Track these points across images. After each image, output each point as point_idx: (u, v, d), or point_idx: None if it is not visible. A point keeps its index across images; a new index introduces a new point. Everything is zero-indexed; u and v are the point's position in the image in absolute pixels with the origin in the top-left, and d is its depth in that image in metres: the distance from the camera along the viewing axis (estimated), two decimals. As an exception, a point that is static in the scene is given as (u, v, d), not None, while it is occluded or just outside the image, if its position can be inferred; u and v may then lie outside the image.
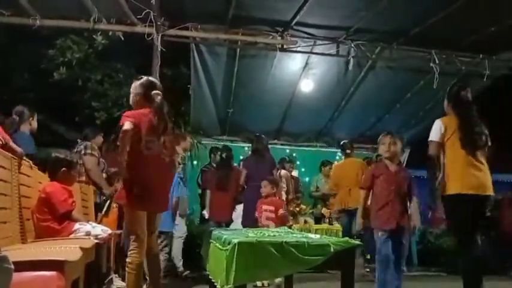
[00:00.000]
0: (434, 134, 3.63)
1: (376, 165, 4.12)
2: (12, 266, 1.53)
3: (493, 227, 7.05)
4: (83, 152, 5.12)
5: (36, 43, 7.99)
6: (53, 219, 3.38)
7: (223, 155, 6.38)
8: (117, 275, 4.52)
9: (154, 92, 3.28)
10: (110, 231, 3.81)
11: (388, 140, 3.95)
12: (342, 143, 7.04)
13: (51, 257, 2.07)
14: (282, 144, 8.76)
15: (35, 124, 4.84)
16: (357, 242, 2.47)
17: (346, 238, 2.55)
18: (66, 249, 2.40)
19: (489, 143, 3.63)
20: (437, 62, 6.70)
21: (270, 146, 7.43)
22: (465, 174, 3.49)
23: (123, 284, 4.04)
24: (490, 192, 3.54)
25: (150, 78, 3.51)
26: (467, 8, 5.41)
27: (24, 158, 3.33)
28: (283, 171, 7.14)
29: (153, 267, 3.40)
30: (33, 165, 3.62)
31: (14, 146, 3.28)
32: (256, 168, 5.93)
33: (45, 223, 3.35)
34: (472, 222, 3.52)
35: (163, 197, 3.39)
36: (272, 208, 5.03)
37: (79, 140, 5.38)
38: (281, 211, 5.05)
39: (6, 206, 2.54)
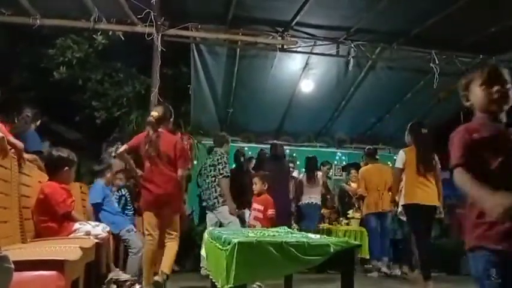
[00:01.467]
0: (399, 162, 5.07)
1: (470, 124, 1.91)
2: (13, 266, 1.53)
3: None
4: (113, 154, 5.15)
5: (37, 42, 8.00)
6: (53, 220, 3.38)
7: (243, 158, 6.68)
8: (118, 269, 4.53)
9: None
10: (108, 229, 3.82)
11: (499, 74, 1.93)
12: (368, 148, 7.08)
13: (51, 257, 2.07)
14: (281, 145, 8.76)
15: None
16: (357, 242, 2.47)
17: (346, 238, 2.55)
18: (66, 249, 2.39)
19: (438, 167, 4.91)
20: (437, 62, 6.71)
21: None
22: (415, 189, 4.83)
23: (127, 276, 4.32)
24: (435, 203, 4.84)
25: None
26: (467, 8, 5.42)
27: (27, 158, 3.32)
28: (320, 173, 7.12)
29: (163, 259, 3.87)
30: (40, 164, 3.63)
31: (14, 140, 3.22)
32: (276, 173, 5.95)
33: (45, 224, 3.35)
34: (422, 224, 4.84)
35: (165, 200, 3.86)
36: (261, 207, 4.67)
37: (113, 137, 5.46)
38: (270, 211, 4.65)
39: (6, 205, 2.53)
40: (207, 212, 5.83)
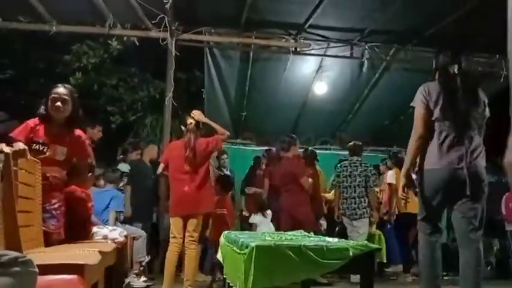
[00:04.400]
0: (392, 179, 6.18)
1: None
2: (37, 270, 1.54)
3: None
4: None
5: (53, 49, 8.13)
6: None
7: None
8: (134, 275, 4.58)
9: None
10: (125, 234, 3.85)
11: None
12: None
13: (72, 261, 2.08)
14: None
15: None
16: (376, 246, 2.45)
17: (365, 242, 2.52)
18: (86, 253, 2.42)
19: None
20: (453, 62, 6.61)
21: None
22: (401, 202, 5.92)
23: (143, 284, 4.50)
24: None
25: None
26: (482, 7, 5.34)
27: None
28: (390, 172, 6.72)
29: (186, 262, 4.03)
30: None
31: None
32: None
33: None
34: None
35: (195, 199, 4.07)
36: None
37: None
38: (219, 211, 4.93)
39: (30, 209, 2.58)
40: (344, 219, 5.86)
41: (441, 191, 2.82)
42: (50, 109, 3.01)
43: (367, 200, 5.72)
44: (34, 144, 2.94)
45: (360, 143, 6.18)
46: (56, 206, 3.02)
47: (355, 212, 5.71)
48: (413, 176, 3.02)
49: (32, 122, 3.01)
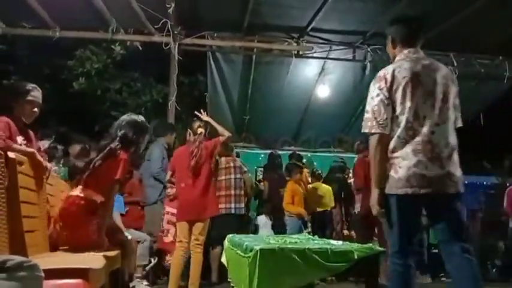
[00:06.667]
0: None
1: None
2: (43, 274, 1.55)
3: None
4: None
5: (56, 54, 8.17)
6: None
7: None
8: (139, 280, 4.59)
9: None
10: (130, 238, 3.86)
11: None
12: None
13: (76, 265, 2.09)
14: (299, 151, 8.73)
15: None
16: (381, 249, 2.44)
17: (370, 244, 2.52)
18: (91, 257, 2.43)
19: None
20: (455, 64, 6.61)
21: (286, 152, 7.48)
22: None
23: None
24: None
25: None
26: (485, 9, 5.34)
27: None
28: None
29: (192, 266, 4.03)
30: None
31: (39, 158, 2.89)
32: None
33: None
34: None
35: (202, 203, 4.09)
36: (175, 211, 4.63)
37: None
38: None
39: (35, 214, 2.59)
40: None
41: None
42: None
43: None
44: None
45: None
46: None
47: None
48: None
49: None
